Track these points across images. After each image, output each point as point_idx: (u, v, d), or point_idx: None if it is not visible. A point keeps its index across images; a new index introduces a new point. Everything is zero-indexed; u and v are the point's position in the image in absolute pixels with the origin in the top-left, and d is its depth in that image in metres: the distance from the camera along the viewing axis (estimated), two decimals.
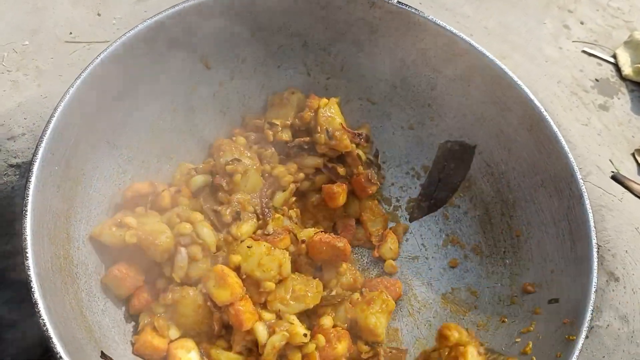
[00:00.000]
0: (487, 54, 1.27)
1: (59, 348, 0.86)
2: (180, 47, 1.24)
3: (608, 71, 1.87)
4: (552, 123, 1.21)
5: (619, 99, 1.80)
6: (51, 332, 0.87)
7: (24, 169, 1.21)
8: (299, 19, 1.30)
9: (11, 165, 1.20)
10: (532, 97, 1.24)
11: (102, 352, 0.97)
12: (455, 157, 1.37)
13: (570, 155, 1.19)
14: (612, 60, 1.89)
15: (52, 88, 1.40)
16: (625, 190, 1.53)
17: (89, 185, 1.13)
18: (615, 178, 1.57)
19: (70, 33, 1.60)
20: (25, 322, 1.27)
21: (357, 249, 1.36)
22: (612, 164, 1.61)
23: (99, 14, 1.67)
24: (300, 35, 1.34)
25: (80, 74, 1.08)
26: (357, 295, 1.20)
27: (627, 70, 1.85)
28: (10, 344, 1.26)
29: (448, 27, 1.28)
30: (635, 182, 1.57)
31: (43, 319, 0.87)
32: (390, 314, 1.21)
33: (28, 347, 1.29)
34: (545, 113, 1.22)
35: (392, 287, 1.27)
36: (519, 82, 1.25)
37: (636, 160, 1.68)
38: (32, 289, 0.89)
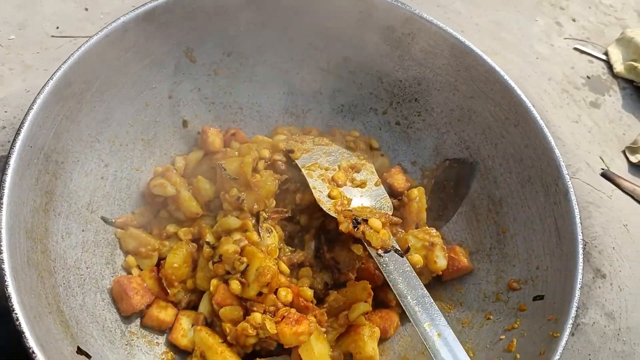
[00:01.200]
0: (475, 49, 1.26)
1: (31, 343, 0.85)
2: (165, 41, 1.23)
3: (599, 68, 1.86)
4: (539, 119, 1.20)
5: (610, 96, 1.79)
6: (24, 327, 0.85)
7: (4, 162, 1.19)
8: (285, 13, 1.29)
9: None
10: (519, 92, 1.23)
11: (78, 347, 0.96)
12: (454, 175, 1.35)
13: (556, 151, 1.17)
14: (603, 57, 1.88)
15: (36, 82, 1.39)
16: (615, 187, 1.52)
17: (69, 178, 1.11)
18: (605, 175, 1.56)
19: (57, 27, 1.59)
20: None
21: None
22: (603, 161, 1.60)
23: (86, 9, 1.66)
24: (286, 30, 1.32)
25: (60, 66, 1.07)
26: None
27: (618, 67, 1.84)
28: None
29: (435, 22, 1.27)
30: (625, 180, 1.56)
31: (16, 314, 0.86)
32: (377, 340, 1.16)
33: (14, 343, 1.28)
34: (532, 109, 1.21)
35: (387, 316, 1.22)
36: (507, 77, 1.24)
37: (627, 158, 1.67)
38: (6, 283, 0.88)
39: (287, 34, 1.33)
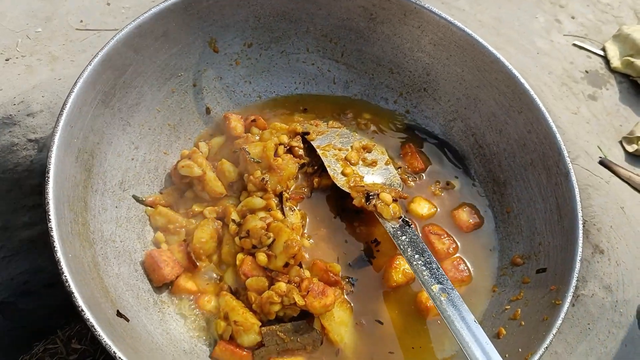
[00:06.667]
0: (481, 40, 1.34)
1: (80, 302, 0.92)
2: (192, 31, 1.31)
3: (597, 63, 1.94)
4: (541, 105, 1.28)
5: (607, 89, 1.88)
6: (73, 288, 0.93)
7: (42, 144, 1.27)
8: (302, 6, 1.38)
9: (30, 140, 1.26)
10: (522, 81, 1.31)
11: (117, 311, 1.03)
12: None
13: (558, 135, 1.25)
14: (601, 53, 1.97)
15: (65, 72, 1.46)
16: (612, 174, 1.60)
17: (104, 158, 1.19)
18: (603, 163, 1.64)
19: (81, 21, 1.67)
20: (42, 291, 1.34)
21: None
22: (601, 150, 1.68)
23: (108, 4, 1.74)
24: (303, 22, 1.40)
25: (97, 53, 1.15)
26: None
27: (615, 62, 1.92)
28: (29, 313, 1.32)
29: (443, 15, 1.35)
30: (621, 167, 1.64)
31: (65, 276, 0.93)
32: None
33: (43, 316, 1.36)
34: (535, 96, 1.29)
35: None
36: (511, 67, 1.32)
37: (624, 148, 1.75)
38: (55, 248, 0.95)
39: (303, 26, 1.41)
